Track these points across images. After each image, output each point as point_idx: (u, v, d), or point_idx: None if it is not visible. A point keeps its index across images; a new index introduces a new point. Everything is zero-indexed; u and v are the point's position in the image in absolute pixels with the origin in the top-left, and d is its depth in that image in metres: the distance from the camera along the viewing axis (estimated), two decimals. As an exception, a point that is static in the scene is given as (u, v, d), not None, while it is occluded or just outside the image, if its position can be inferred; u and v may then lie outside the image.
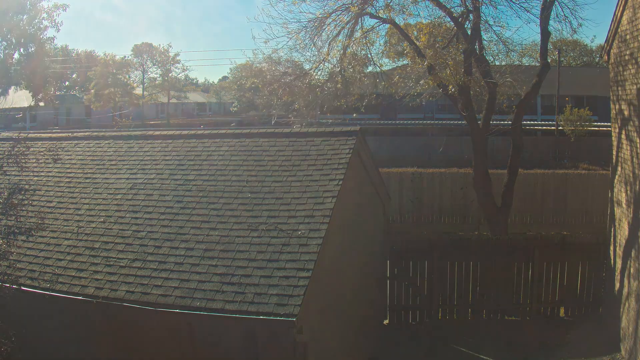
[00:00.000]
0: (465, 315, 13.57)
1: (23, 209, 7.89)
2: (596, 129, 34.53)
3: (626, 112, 11.41)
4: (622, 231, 11.63)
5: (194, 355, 7.74)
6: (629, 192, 11.30)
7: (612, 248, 12.58)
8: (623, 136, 11.66)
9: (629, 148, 11.27)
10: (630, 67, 11.00)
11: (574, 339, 12.28)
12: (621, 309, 11.44)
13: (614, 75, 12.33)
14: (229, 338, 7.60)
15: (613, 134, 12.56)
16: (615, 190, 12.34)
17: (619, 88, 11.78)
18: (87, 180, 10.25)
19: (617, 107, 12.06)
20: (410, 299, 13.59)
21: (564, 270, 13.30)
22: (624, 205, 11.62)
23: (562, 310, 13.61)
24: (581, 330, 12.67)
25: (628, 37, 11.07)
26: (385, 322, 13.67)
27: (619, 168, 12.09)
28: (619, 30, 11.78)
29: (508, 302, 13.43)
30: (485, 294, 13.44)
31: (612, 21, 12.16)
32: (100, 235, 8.74)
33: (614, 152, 12.49)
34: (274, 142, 10.14)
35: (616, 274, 12.07)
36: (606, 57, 12.86)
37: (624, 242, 11.57)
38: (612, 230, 12.51)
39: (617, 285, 11.98)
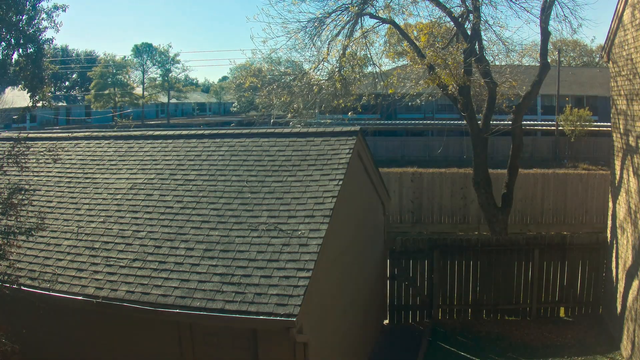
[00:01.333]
0: (465, 315, 13.58)
1: (23, 209, 7.88)
2: (596, 129, 34.53)
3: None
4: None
5: (194, 356, 7.75)
6: (636, 226, 10.94)
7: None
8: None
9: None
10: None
11: (574, 339, 12.29)
12: (625, 315, 11.36)
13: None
14: (229, 338, 7.61)
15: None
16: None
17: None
18: (87, 180, 10.25)
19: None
20: (410, 299, 13.59)
21: (564, 270, 13.30)
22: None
23: (562, 310, 13.61)
24: (581, 330, 12.68)
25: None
26: (385, 322, 13.66)
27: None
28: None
29: (508, 302, 13.44)
30: (485, 294, 13.44)
31: (610, 25, 12.15)
32: (100, 235, 8.74)
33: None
34: (274, 142, 10.14)
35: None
36: (606, 57, 12.85)
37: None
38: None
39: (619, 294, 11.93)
